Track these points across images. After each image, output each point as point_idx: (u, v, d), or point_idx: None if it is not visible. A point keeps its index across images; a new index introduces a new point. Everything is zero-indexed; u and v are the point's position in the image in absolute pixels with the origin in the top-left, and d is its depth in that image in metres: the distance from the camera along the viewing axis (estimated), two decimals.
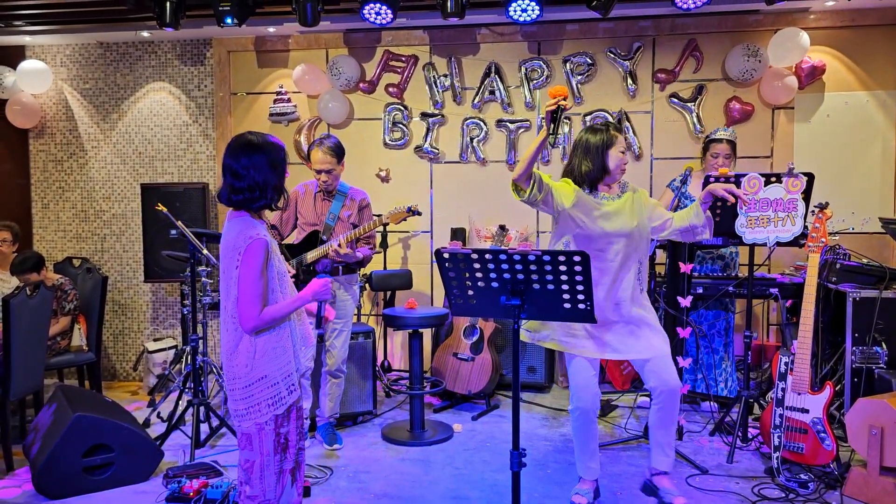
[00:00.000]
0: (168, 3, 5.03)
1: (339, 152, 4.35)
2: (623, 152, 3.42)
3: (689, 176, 4.53)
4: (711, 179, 4.25)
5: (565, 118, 5.71)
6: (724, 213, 4.22)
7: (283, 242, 4.47)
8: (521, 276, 2.54)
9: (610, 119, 5.65)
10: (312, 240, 4.35)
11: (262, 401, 2.59)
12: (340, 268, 4.37)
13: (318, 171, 4.31)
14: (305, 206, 4.44)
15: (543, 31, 5.72)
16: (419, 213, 4.36)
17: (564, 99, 3.09)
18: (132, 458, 3.86)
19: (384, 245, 5.79)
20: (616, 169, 3.41)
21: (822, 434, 3.71)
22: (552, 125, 3.07)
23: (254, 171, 2.59)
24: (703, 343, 4.85)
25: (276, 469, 2.65)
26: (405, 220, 4.38)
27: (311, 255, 4.30)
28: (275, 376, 2.60)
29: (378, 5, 4.92)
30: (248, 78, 6.14)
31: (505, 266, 2.53)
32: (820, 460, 3.74)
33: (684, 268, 4.34)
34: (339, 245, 4.17)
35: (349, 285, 4.46)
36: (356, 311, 5.71)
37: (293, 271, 4.11)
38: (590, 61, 5.67)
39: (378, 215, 4.35)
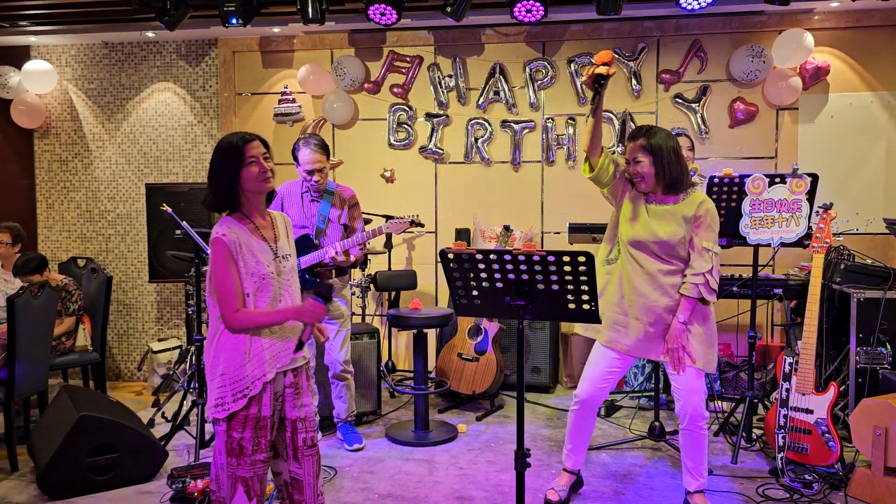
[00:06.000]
0: (177, 5, 5.05)
1: (327, 149, 4.22)
2: (627, 161, 3.31)
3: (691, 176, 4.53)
4: (716, 181, 4.25)
5: (570, 119, 5.72)
6: (728, 214, 4.21)
7: None
8: (525, 277, 2.54)
9: (614, 119, 5.65)
10: (303, 243, 4.16)
11: (214, 399, 2.56)
12: (334, 272, 4.28)
13: (311, 172, 4.13)
14: (292, 207, 4.24)
15: (548, 32, 5.73)
16: (421, 225, 4.27)
17: (608, 65, 3.08)
18: (136, 458, 3.87)
19: (388, 245, 5.80)
20: (633, 178, 3.35)
21: (827, 434, 3.71)
22: (595, 95, 3.13)
23: (209, 171, 2.64)
24: None
25: (228, 472, 2.56)
26: (408, 231, 4.29)
27: (304, 260, 4.12)
28: (224, 379, 2.54)
29: (383, 6, 4.93)
30: (253, 78, 6.15)
31: (509, 266, 2.53)
32: (824, 461, 3.74)
33: None
34: (336, 253, 4.05)
35: (341, 287, 4.39)
36: (360, 312, 5.73)
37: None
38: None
39: (371, 218, 4.27)
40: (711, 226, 3.29)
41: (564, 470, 3.62)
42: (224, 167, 2.56)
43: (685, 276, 3.27)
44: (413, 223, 4.15)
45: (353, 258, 4.21)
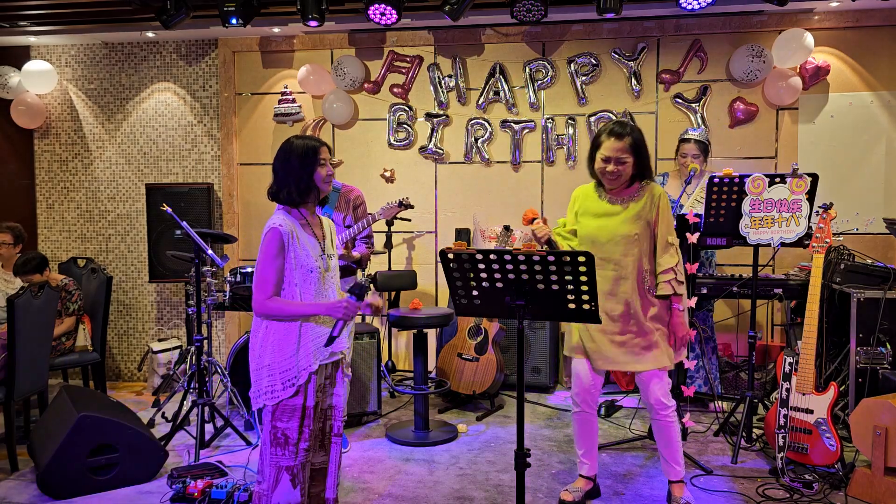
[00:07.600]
0: (178, 5, 5.06)
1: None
2: (607, 159, 3.23)
3: (691, 177, 4.54)
4: (716, 180, 4.25)
5: (570, 119, 5.72)
6: (728, 214, 4.21)
7: None
8: (525, 277, 2.54)
9: (613, 118, 5.64)
10: None
11: (262, 388, 2.74)
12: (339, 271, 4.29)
13: None
14: None
15: (548, 32, 5.72)
16: (411, 206, 4.30)
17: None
18: (137, 458, 3.87)
19: (388, 245, 5.80)
20: (600, 174, 3.30)
21: (827, 434, 3.71)
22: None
23: (278, 169, 2.83)
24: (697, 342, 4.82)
25: (272, 462, 2.74)
26: (400, 216, 4.27)
27: None
28: (274, 368, 2.72)
29: (383, 6, 4.93)
30: (253, 78, 6.15)
31: (509, 266, 2.53)
32: (824, 461, 3.74)
33: (689, 269, 4.33)
34: (335, 247, 4.05)
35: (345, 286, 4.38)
36: (360, 312, 5.72)
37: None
38: (594, 62, 5.67)
39: (371, 213, 4.28)
40: (670, 217, 3.33)
41: (581, 476, 3.62)
42: (299, 167, 2.80)
43: (656, 276, 3.30)
44: (402, 205, 4.21)
45: (356, 254, 4.20)
